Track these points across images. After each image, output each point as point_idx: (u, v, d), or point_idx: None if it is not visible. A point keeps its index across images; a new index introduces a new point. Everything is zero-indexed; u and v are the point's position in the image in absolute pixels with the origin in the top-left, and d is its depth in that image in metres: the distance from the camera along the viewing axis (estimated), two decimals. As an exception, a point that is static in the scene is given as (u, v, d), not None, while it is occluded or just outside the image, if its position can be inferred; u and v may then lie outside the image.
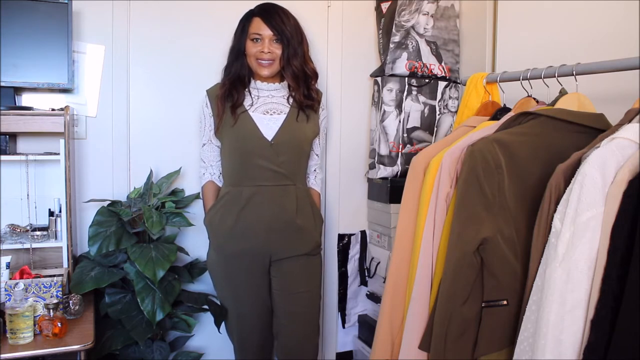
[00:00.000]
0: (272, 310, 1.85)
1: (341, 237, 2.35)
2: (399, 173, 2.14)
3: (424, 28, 2.13)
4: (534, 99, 1.47)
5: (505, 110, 1.50)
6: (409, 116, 2.13)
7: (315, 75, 1.85)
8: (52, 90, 1.86)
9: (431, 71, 2.15)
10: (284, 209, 1.75)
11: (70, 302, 1.61)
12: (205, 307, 1.92)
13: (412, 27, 2.11)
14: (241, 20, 1.79)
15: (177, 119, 2.06)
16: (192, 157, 2.07)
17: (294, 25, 1.76)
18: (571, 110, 1.22)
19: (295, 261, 1.79)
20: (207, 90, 1.84)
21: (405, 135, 2.13)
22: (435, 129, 2.19)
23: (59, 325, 1.47)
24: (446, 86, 2.20)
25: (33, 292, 1.54)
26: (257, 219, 1.73)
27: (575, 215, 0.93)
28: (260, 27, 1.72)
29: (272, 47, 1.73)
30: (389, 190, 2.12)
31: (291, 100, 1.82)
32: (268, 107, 1.79)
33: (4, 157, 1.71)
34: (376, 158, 2.14)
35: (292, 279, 1.80)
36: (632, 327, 0.84)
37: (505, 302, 1.13)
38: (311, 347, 1.87)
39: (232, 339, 1.90)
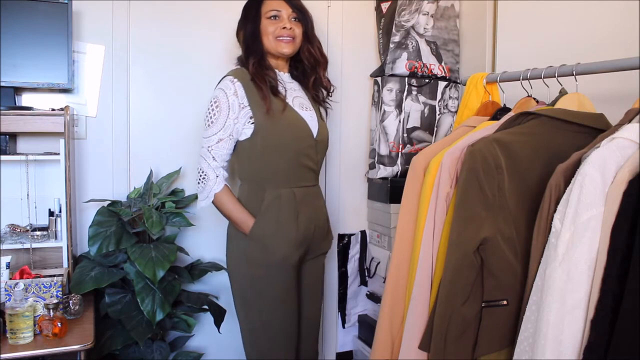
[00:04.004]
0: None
1: (341, 237, 2.35)
2: (399, 173, 2.14)
3: (424, 28, 2.13)
4: (534, 99, 1.47)
5: (505, 110, 1.50)
6: (409, 116, 2.13)
7: (327, 62, 1.75)
8: (52, 90, 1.86)
9: (431, 71, 2.15)
10: (321, 210, 1.69)
11: (70, 302, 1.61)
12: (205, 307, 1.92)
13: (412, 27, 2.11)
14: (251, 5, 1.65)
15: (177, 119, 2.06)
16: (192, 157, 2.06)
17: (308, 11, 1.69)
18: (571, 110, 1.22)
19: (316, 261, 1.73)
20: (233, 75, 1.56)
21: (405, 135, 2.13)
22: (435, 129, 2.19)
23: (59, 325, 1.47)
24: (446, 86, 2.20)
25: (33, 292, 1.54)
26: (307, 223, 1.61)
27: (575, 215, 0.92)
28: (278, 5, 1.61)
29: (292, 24, 1.61)
30: (389, 190, 2.12)
31: (306, 92, 1.72)
32: (299, 101, 1.65)
33: (4, 157, 1.71)
34: (376, 158, 2.14)
35: (314, 281, 1.74)
36: (632, 327, 0.84)
37: (505, 302, 1.13)
38: (316, 348, 1.84)
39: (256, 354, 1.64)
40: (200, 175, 1.56)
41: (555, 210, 0.98)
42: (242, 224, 1.56)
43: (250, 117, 1.54)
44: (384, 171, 2.13)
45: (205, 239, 2.09)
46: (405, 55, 2.09)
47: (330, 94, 1.78)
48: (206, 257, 2.08)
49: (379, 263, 2.22)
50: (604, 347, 0.87)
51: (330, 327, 2.37)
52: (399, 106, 2.11)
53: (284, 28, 1.59)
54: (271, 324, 1.58)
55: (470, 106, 1.69)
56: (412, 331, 1.29)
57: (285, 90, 1.63)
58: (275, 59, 1.66)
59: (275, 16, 1.60)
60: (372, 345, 1.46)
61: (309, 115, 1.64)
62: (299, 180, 1.60)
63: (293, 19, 1.62)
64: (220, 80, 1.58)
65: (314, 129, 1.62)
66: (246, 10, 1.66)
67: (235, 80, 1.54)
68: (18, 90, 1.81)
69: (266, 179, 1.58)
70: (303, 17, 1.64)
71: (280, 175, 1.57)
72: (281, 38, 1.60)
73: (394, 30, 2.08)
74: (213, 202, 1.57)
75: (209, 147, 1.55)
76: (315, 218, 1.65)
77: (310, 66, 1.70)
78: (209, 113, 1.55)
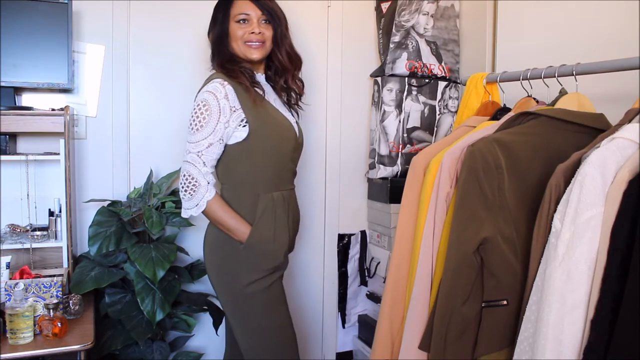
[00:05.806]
0: None
1: (341, 237, 2.35)
2: (399, 173, 2.15)
3: (424, 28, 2.13)
4: (534, 99, 1.47)
5: (505, 110, 1.50)
6: (409, 116, 2.13)
7: (301, 62, 1.66)
8: (52, 90, 1.86)
9: (431, 71, 2.15)
10: (299, 213, 1.67)
11: (70, 302, 1.61)
12: (205, 307, 1.92)
13: (412, 27, 2.11)
14: (220, 5, 1.59)
15: (177, 119, 2.06)
16: (192, 157, 2.06)
17: (280, 9, 1.59)
18: (571, 110, 1.22)
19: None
20: (220, 78, 1.47)
21: (405, 135, 2.13)
22: (435, 129, 2.19)
23: (59, 325, 1.47)
24: (446, 86, 2.20)
25: (33, 292, 1.54)
26: (294, 225, 1.62)
27: (575, 215, 0.92)
28: (247, 7, 1.53)
29: (261, 28, 1.53)
30: (389, 190, 2.12)
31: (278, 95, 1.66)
32: (278, 102, 1.61)
33: (4, 157, 1.71)
34: (376, 158, 2.14)
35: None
36: (632, 327, 0.84)
37: (505, 302, 1.13)
38: None
39: None
40: (189, 182, 1.44)
41: (555, 210, 0.98)
42: (238, 232, 1.48)
43: (242, 120, 1.47)
44: (384, 171, 2.13)
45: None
46: (405, 55, 2.09)
47: (300, 99, 1.70)
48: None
49: (379, 263, 2.22)
50: (604, 347, 0.87)
51: (330, 327, 2.37)
52: (399, 106, 2.11)
53: (252, 33, 1.52)
54: (275, 326, 1.53)
55: (470, 106, 1.69)
56: (412, 331, 1.29)
57: (264, 92, 1.57)
58: (249, 61, 1.58)
59: (243, 19, 1.53)
60: (372, 345, 1.46)
61: (289, 116, 1.61)
62: (286, 182, 1.58)
63: (263, 22, 1.55)
64: (206, 83, 1.49)
65: (296, 130, 1.59)
66: (215, 11, 1.59)
67: (226, 83, 1.46)
68: (18, 90, 1.81)
69: (258, 182, 1.51)
70: (273, 19, 1.56)
71: (271, 178, 1.53)
72: (250, 43, 1.53)
73: (394, 30, 2.08)
74: (204, 210, 1.46)
75: (198, 152, 1.44)
76: (297, 220, 1.65)
77: (281, 69, 1.63)
78: (197, 117, 1.44)
